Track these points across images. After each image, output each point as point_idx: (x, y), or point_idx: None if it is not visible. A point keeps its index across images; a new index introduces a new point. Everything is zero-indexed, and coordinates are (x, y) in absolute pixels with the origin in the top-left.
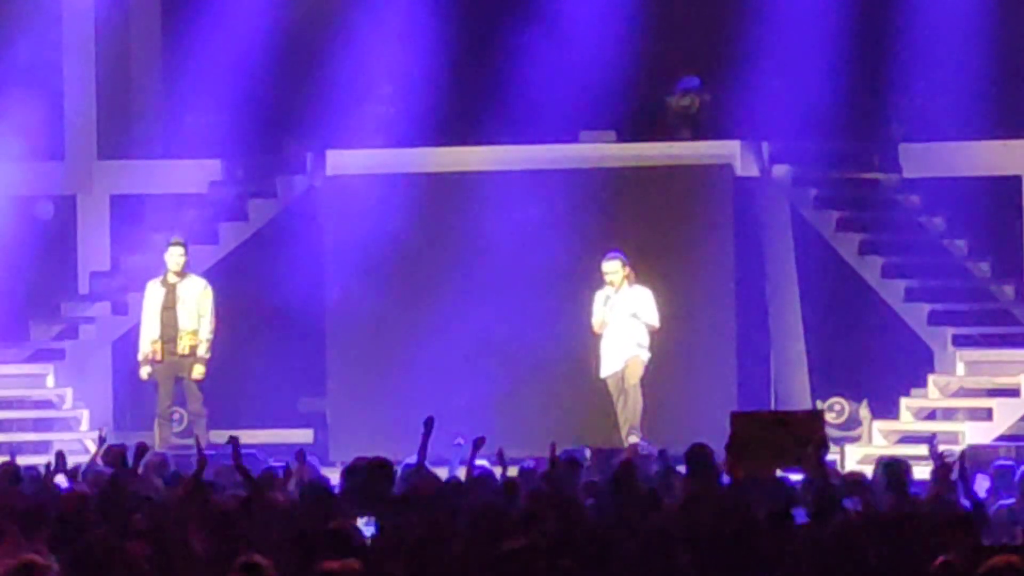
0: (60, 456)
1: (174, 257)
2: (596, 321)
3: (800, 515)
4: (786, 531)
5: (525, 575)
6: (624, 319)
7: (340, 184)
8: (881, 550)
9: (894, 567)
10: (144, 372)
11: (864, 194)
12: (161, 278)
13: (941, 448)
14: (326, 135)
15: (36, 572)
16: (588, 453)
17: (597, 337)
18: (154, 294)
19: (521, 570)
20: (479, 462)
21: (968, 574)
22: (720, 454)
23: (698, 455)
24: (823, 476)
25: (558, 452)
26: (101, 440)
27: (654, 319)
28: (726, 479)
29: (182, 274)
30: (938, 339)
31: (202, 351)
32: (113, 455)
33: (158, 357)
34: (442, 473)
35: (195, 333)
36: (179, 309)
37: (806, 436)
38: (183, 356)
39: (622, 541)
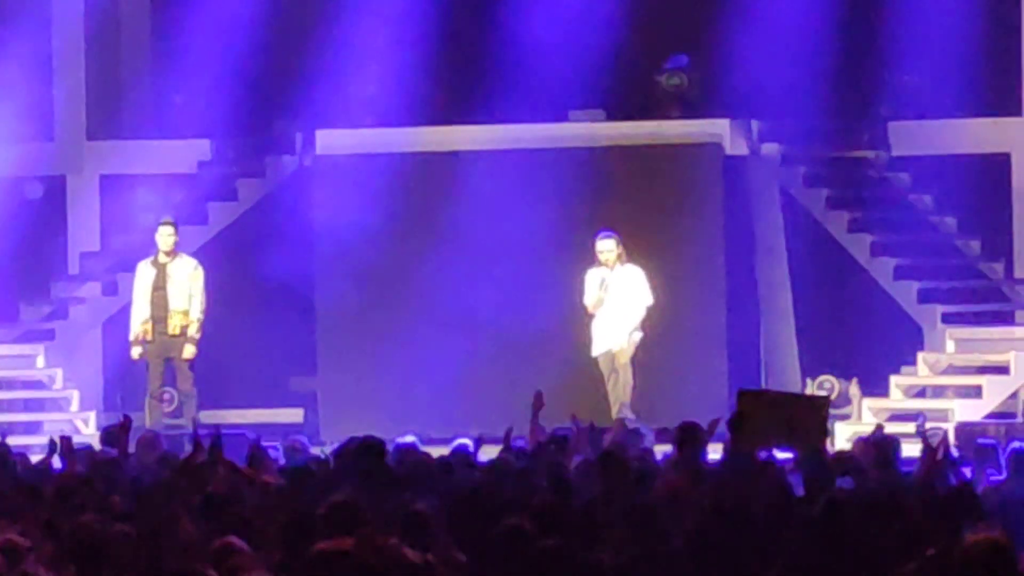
0: (59, 440)
1: (164, 237)
2: (590, 301)
3: (796, 483)
4: (776, 510)
5: (513, 554)
6: (617, 299)
7: (329, 164)
8: (871, 529)
9: (884, 546)
10: (135, 352)
11: (853, 172)
12: (152, 258)
13: (928, 426)
14: (315, 115)
15: (16, 553)
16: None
17: (589, 316)
18: (145, 275)
19: (508, 549)
20: (462, 440)
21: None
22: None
23: (687, 434)
24: (822, 462)
25: (549, 429)
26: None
27: (649, 298)
28: (713, 458)
29: (173, 254)
30: (928, 317)
31: (193, 331)
32: (111, 436)
33: (148, 337)
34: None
35: (186, 313)
36: (170, 289)
37: (809, 421)
38: (174, 336)
39: (611, 520)
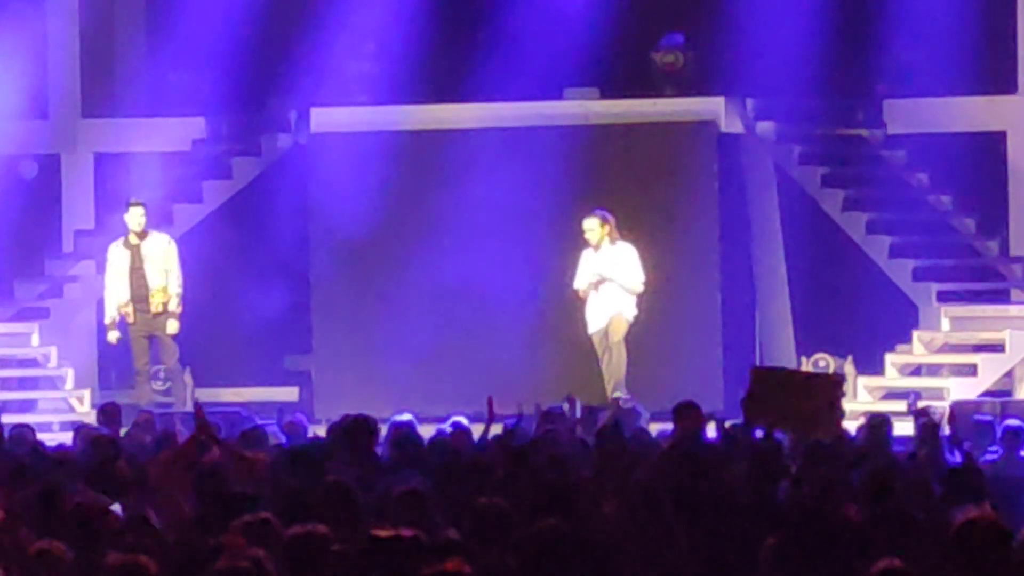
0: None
1: (135, 218)
2: (580, 284)
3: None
4: (770, 489)
5: (507, 532)
6: (617, 277)
7: (324, 142)
8: (864, 508)
9: (878, 525)
10: (112, 336)
11: (848, 150)
12: (123, 240)
13: (925, 404)
14: (310, 93)
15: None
16: (578, 405)
17: (580, 299)
18: (119, 257)
19: (503, 527)
20: (458, 418)
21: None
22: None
23: (685, 412)
24: (838, 441)
25: (544, 407)
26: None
27: (636, 279)
28: (709, 435)
29: (143, 234)
30: (923, 295)
31: (173, 306)
32: (107, 414)
33: (130, 319)
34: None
35: (165, 290)
36: (147, 268)
37: (823, 402)
38: (156, 314)
39: (606, 498)
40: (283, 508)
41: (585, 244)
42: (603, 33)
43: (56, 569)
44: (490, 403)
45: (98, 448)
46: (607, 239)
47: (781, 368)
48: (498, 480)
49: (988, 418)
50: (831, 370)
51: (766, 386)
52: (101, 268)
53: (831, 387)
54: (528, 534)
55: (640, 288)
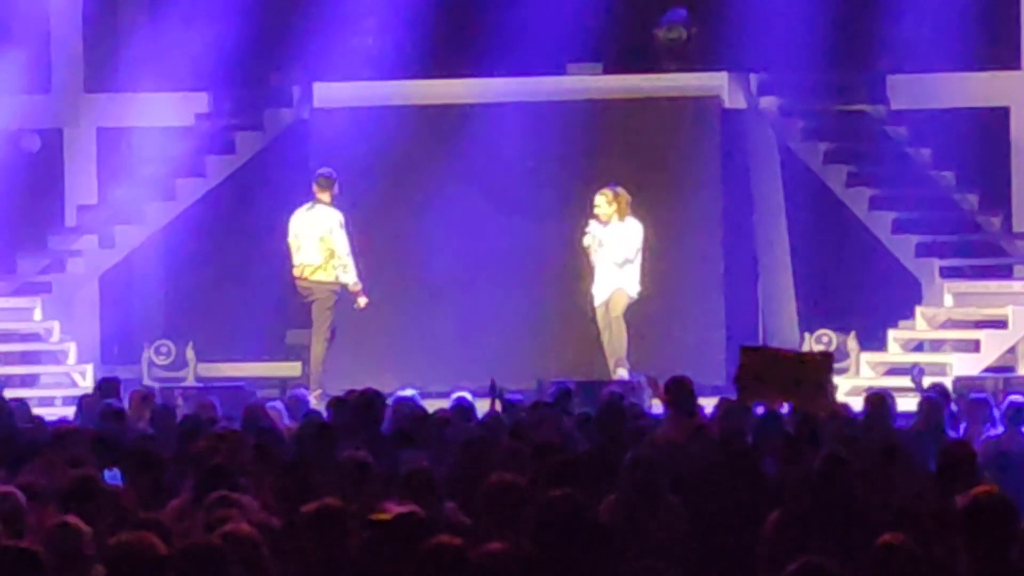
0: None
1: (335, 190)
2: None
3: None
4: (769, 465)
5: (511, 507)
6: (612, 252)
7: (327, 117)
8: (864, 485)
9: (876, 502)
10: (363, 301)
11: (852, 126)
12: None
13: (931, 381)
14: (313, 68)
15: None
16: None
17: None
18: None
19: (506, 503)
20: (461, 393)
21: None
22: (706, 387)
23: (678, 387)
24: (836, 417)
25: (547, 384)
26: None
27: (620, 253)
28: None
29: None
30: (925, 271)
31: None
32: (106, 388)
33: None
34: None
35: None
36: None
37: (813, 377)
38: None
39: (609, 473)
40: (292, 484)
41: (588, 216)
42: (606, 8)
43: (77, 545)
44: (492, 384)
45: (103, 421)
46: (616, 215)
47: (769, 347)
48: (499, 455)
49: (983, 395)
50: (834, 346)
51: (756, 365)
52: (103, 243)
53: (821, 364)
54: (528, 507)
55: (619, 261)
